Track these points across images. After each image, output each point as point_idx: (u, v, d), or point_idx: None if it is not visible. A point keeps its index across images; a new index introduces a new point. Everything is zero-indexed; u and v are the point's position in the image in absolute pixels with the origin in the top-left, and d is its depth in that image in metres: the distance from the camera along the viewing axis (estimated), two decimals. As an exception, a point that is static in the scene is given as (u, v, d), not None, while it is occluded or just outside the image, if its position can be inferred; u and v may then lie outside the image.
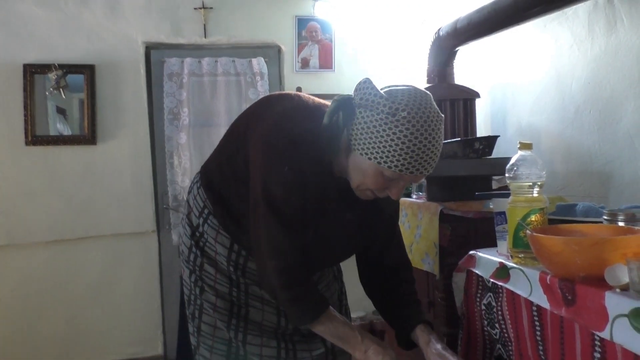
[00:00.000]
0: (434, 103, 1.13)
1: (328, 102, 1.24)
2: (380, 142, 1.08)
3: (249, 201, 1.19)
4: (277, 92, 1.36)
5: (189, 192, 1.37)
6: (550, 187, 2.15)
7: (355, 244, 1.34)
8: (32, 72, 3.16)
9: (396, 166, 1.08)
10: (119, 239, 3.28)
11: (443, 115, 1.15)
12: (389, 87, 1.13)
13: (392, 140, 1.07)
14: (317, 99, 1.27)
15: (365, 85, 1.10)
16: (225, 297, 1.28)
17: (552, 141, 2.23)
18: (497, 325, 1.35)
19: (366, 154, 1.10)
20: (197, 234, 1.31)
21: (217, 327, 1.29)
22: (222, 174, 1.29)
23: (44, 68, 3.16)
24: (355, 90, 1.12)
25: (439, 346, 1.25)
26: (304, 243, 1.20)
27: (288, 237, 1.16)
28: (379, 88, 1.11)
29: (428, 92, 1.14)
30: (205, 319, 1.30)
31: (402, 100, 1.08)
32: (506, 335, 1.31)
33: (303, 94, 1.29)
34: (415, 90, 1.12)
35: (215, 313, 1.28)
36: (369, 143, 1.09)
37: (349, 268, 1.50)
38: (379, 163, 1.09)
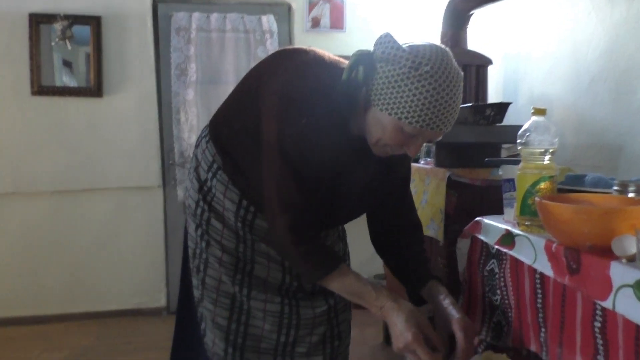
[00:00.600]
0: (454, 61, 1.11)
1: (343, 59, 1.21)
2: (402, 96, 1.06)
3: (259, 156, 1.18)
4: (290, 47, 1.33)
5: (197, 146, 1.35)
6: (559, 158, 2.12)
7: (366, 202, 1.34)
8: (38, 21, 3.12)
9: (417, 121, 1.07)
10: (124, 192, 3.31)
11: (462, 73, 1.13)
12: (407, 42, 1.11)
13: (413, 94, 1.05)
14: (331, 55, 1.24)
15: (387, 39, 1.07)
16: (231, 252, 1.28)
17: (564, 112, 2.20)
18: (498, 291, 1.36)
19: (386, 109, 1.08)
20: (205, 189, 1.30)
21: (221, 281, 1.29)
22: (231, 128, 1.26)
23: (50, 18, 3.11)
24: (376, 44, 1.10)
25: (448, 300, 1.26)
26: (318, 199, 1.19)
27: (301, 192, 1.15)
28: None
29: (448, 50, 1.12)
30: (210, 273, 1.30)
31: (425, 55, 1.06)
32: (507, 301, 1.32)
33: (317, 49, 1.25)
34: (437, 46, 1.10)
35: (220, 267, 1.28)
36: (390, 98, 1.07)
37: (353, 230, 1.50)
38: (400, 118, 1.07)
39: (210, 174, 1.29)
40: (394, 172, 1.33)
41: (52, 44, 3.13)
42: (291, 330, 1.30)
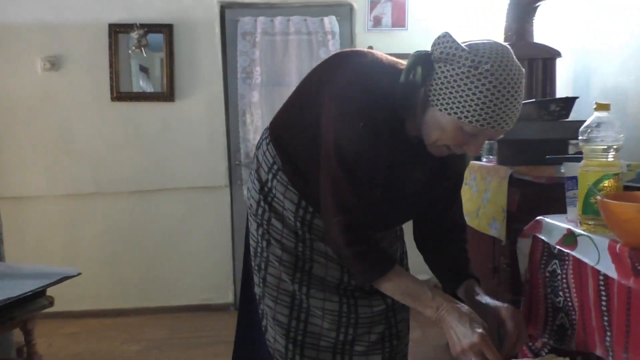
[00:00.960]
0: (515, 57, 1.09)
1: (400, 60, 1.22)
2: (461, 96, 1.05)
3: (318, 158, 1.21)
4: (348, 49, 1.35)
5: (258, 148, 1.40)
6: (634, 154, 2.01)
7: (421, 204, 1.34)
8: (116, 31, 3.34)
9: (477, 120, 1.06)
10: (194, 192, 3.47)
11: (524, 70, 1.11)
12: (468, 41, 1.10)
13: (473, 93, 1.04)
14: (389, 57, 1.25)
15: (446, 39, 1.07)
16: (290, 251, 1.31)
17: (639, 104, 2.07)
18: (560, 293, 1.31)
19: (445, 109, 1.08)
20: (266, 189, 1.34)
21: (281, 280, 1.33)
22: (291, 130, 1.30)
23: (127, 27, 3.32)
24: (434, 44, 1.09)
25: (487, 297, 1.24)
26: (372, 201, 1.20)
27: (356, 193, 1.16)
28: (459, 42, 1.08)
29: (508, 47, 1.10)
30: (270, 271, 1.34)
31: (485, 53, 1.05)
32: (570, 304, 1.28)
33: (375, 51, 1.27)
34: (497, 44, 1.09)
35: (280, 266, 1.32)
36: (449, 97, 1.07)
37: (410, 230, 1.50)
38: (459, 118, 1.07)
39: (270, 175, 1.33)
40: (448, 175, 1.32)
41: (129, 51, 3.34)
42: (349, 329, 1.32)
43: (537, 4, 2.34)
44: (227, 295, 3.56)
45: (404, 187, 1.26)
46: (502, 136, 1.15)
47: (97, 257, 3.46)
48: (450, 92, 1.06)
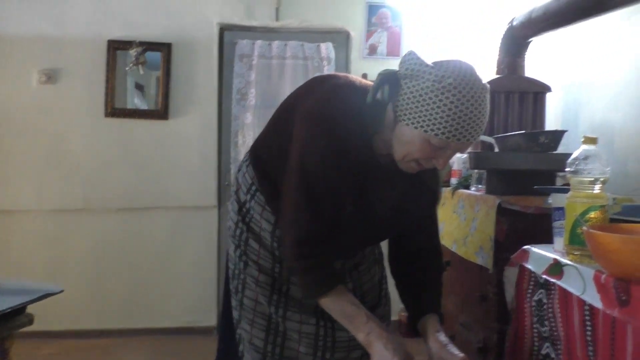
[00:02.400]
0: (478, 74, 1.13)
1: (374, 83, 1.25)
2: (427, 109, 1.09)
3: None
4: (325, 73, 1.39)
5: (239, 170, 1.41)
6: (621, 188, 2.04)
7: (394, 224, 1.35)
8: (115, 48, 3.36)
9: (443, 133, 1.10)
10: (183, 211, 3.46)
11: (489, 86, 1.15)
12: (434, 61, 1.14)
13: (438, 107, 1.08)
14: (364, 80, 1.29)
15: (411, 57, 1.12)
16: (267, 272, 1.32)
17: (626, 140, 2.11)
18: (546, 322, 1.31)
19: (412, 123, 1.11)
20: (244, 210, 1.35)
21: (258, 302, 1.33)
22: (269, 151, 1.32)
23: (126, 44, 3.35)
24: (400, 63, 1.14)
25: (444, 338, 1.25)
26: (340, 221, 1.22)
27: (313, 211, 1.18)
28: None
29: (472, 65, 1.15)
30: (247, 294, 1.34)
31: (448, 69, 1.09)
32: (555, 333, 1.28)
33: (351, 75, 1.31)
34: (460, 61, 1.13)
35: (257, 288, 1.32)
36: (416, 112, 1.10)
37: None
38: (426, 131, 1.10)
39: (249, 196, 1.34)
40: (421, 192, 1.34)
41: (127, 68, 3.36)
42: (327, 353, 1.32)
43: (530, 40, 2.40)
44: (211, 318, 3.51)
45: (375, 206, 1.27)
46: (469, 149, 1.18)
47: (81, 275, 3.40)
48: (416, 107, 1.10)
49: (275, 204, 1.30)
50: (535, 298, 1.35)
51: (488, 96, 1.13)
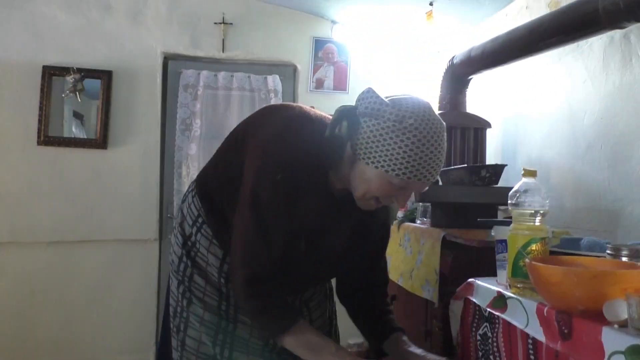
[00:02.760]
0: (435, 112, 1.14)
1: (328, 115, 1.23)
2: (388, 150, 1.08)
3: None
4: (278, 103, 1.36)
5: (183, 201, 1.35)
6: (558, 221, 2.11)
7: (346, 258, 1.32)
8: (51, 74, 3.22)
9: (404, 173, 1.08)
10: (120, 245, 3.28)
11: (445, 124, 1.15)
12: (389, 96, 1.13)
13: (399, 147, 1.07)
14: (317, 111, 1.26)
15: (370, 95, 1.10)
16: (213, 310, 1.25)
17: (561, 176, 2.20)
18: (491, 356, 1.30)
19: (372, 162, 1.10)
20: (189, 244, 1.28)
21: (202, 342, 1.25)
22: (218, 182, 1.27)
23: (63, 71, 3.21)
24: (359, 99, 1.12)
25: (419, 350, 1.24)
26: (293, 256, 1.17)
27: (265, 246, 1.14)
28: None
29: (428, 101, 1.15)
30: (190, 333, 1.26)
31: (408, 108, 1.09)
32: (500, 367, 1.27)
33: (304, 105, 1.28)
34: (418, 99, 1.14)
35: (201, 327, 1.25)
36: (376, 152, 1.09)
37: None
38: (387, 171, 1.09)
39: (194, 229, 1.27)
40: (374, 228, 1.33)
41: (63, 95, 3.22)
42: None
43: (470, 77, 2.49)
44: (148, 357, 3.31)
45: (328, 241, 1.24)
46: (426, 188, 1.17)
47: (5, 313, 3.14)
48: (377, 146, 1.09)
49: (223, 237, 1.24)
50: (480, 332, 1.35)
51: (445, 134, 1.14)
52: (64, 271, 3.22)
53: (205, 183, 1.30)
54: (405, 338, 1.29)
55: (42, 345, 3.18)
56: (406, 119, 1.07)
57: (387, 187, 1.12)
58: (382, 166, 1.09)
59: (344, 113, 1.12)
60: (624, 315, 0.89)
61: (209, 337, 1.24)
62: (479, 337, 1.35)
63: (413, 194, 2.05)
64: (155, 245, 3.34)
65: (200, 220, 1.27)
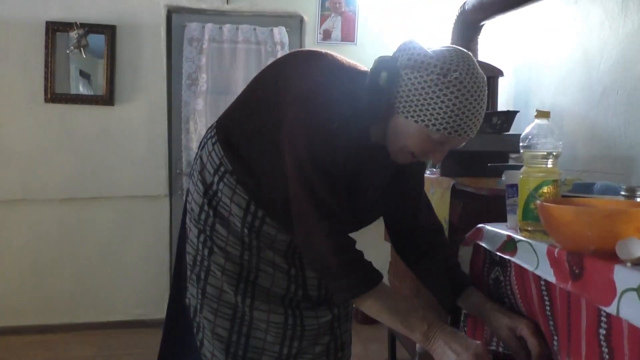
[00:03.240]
0: (477, 65, 1.10)
1: (358, 64, 1.19)
2: (430, 104, 1.04)
3: (276, 159, 1.14)
4: (304, 49, 1.31)
5: (202, 148, 1.30)
6: (571, 170, 2.08)
7: (380, 208, 1.31)
8: (55, 29, 3.17)
9: (445, 128, 1.05)
10: (131, 201, 3.31)
11: (485, 76, 1.11)
12: (432, 48, 1.08)
13: (442, 102, 1.03)
14: (347, 59, 1.21)
15: (413, 45, 1.06)
16: (235, 259, 1.23)
17: (575, 123, 2.15)
18: (506, 300, 1.30)
19: (412, 116, 1.06)
20: (211, 192, 1.24)
21: (223, 291, 1.24)
22: (243, 130, 1.22)
23: (66, 26, 3.16)
24: (400, 50, 1.08)
25: (496, 306, 1.21)
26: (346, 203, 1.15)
27: (336, 198, 1.10)
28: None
29: (469, 53, 1.10)
30: (211, 281, 1.25)
31: (453, 61, 1.04)
32: (516, 309, 1.27)
33: (333, 52, 1.22)
34: (461, 51, 1.08)
35: (223, 276, 1.23)
36: (417, 105, 1.05)
37: (361, 240, 1.45)
38: (427, 126, 1.05)
39: (217, 177, 1.24)
40: (408, 176, 1.30)
41: (68, 51, 3.18)
42: (294, 342, 1.25)
43: (482, 23, 2.41)
44: (162, 310, 3.34)
45: (366, 190, 1.22)
46: (464, 143, 1.13)
47: (20, 269, 3.22)
48: (418, 100, 1.05)
49: (250, 186, 1.21)
50: (492, 276, 1.34)
51: (487, 88, 1.09)
52: (76, 227, 3.27)
53: (227, 130, 1.25)
54: (483, 296, 1.24)
55: (57, 300, 3.27)
56: (451, 72, 1.03)
57: (426, 141, 1.09)
58: (423, 120, 1.05)
59: (383, 64, 1.07)
60: (638, 253, 0.87)
61: (230, 286, 1.23)
62: (491, 282, 1.35)
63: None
64: (166, 201, 3.36)
65: (222, 169, 1.23)
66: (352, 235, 1.41)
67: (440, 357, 1.07)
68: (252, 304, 1.23)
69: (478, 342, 1.06)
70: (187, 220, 1.32)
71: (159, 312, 3.37)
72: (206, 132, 1.32)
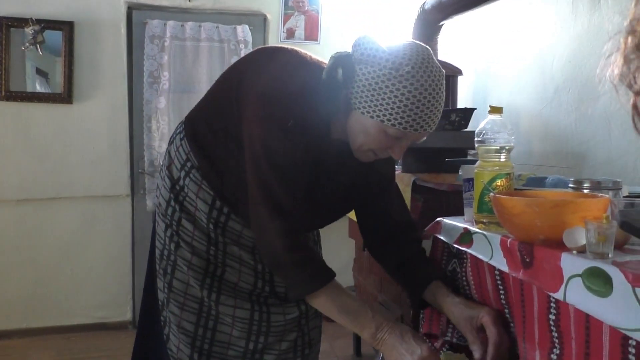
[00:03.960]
0: (434, 58, 1.09)
1: (324, 59, 1.19)
2: (383, 99, 1.04)
3: (239, 157, 1.15)
4: (271, 45, 1.31)
5: (170, 143, 1.30)
6: (526, 166, 2.15)
7: (346, 205, 1.31)
8: (9, 25, 3.07)
9: (400, 124, 1.05)
10: (91, 201, 3.23)
11: (444, 71, 1.11)
12: (387, 43, 1.09)
13: (395, 96, 1.03)
14: (312, 55, 1.22)
15: (365, 41, 1.06)
16: (201, 254, 1.23)
17: (530, 120, 2.22)
18: (461, 291, 1.34)
19: (368, 112, 1.06)
20: (177, 187, 1.25)
21: (189, 285, 1.24)
22: (209, 127, 1.22)
23: (21, 22, 3.07)
24: (354, 46, 1.08)
25: (459, 299, 1.21)
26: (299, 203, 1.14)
27: (291, 196, 1.10)
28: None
29: (427, 47, 1.10)
30: (177, 276, 1.25)
31: (405, 55, 1.04)
32: (472, 300, 1.31)
33: (299, 49, 1.23)
34: (417, 44, 1.08)
35: (189, 270, 1.23)
36: (372, 101, 1.05)
37: (324, 239, 1.46)
38: (382, 121, 1.05)
39: (183, 173, 1.24)
40: (376, 171, 1.30)
41: (23, 48, 3.08)
42: (260, 337, 1.26)
43: (441, 23, 2.46)
44: (125, 312, 3.33)
45: (329, 187, 1.23)
46: (424, 139, 1.13)
47: (-26, 273, 3.10)
48: (372, 95, 1.05)
49: (215, 182, 1.21)
50: (450, 268, 1.38)
51: (444, 82, 1.09)
52: (34, 229, 3.17)
53: (194, 128, 1.25)
54: (446, 289, 1.25)
55: (14, 304, 3.16)
56: (403, 66, 1.03)
57: (384, 137, 1.08)
58: (378, 116, 1.05)
59: (339, 60, 1.08)
60: (583, 241, 0.92)
61: (196, 280, 1.23)
62: (448, 273, 1.39)
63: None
64: (128, 200, 3.30)
65: (189, 164, 1.23)
66: (319, 230, 1.43)
67: (389, 357, 1.09)
68: (217, 299, 1.23)
69: (424, 345, 1.07)
70: (156, 215, 1.32)
71: (121, 314, 3.32)
72: (175, 128, 1.32)
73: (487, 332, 1.15)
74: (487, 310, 1.16)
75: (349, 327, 1.13)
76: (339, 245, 2.91)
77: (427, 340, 1.14)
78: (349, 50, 1.10)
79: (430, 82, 1.05)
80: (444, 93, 1.10)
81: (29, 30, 3.06)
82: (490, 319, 1.14)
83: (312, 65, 1.16)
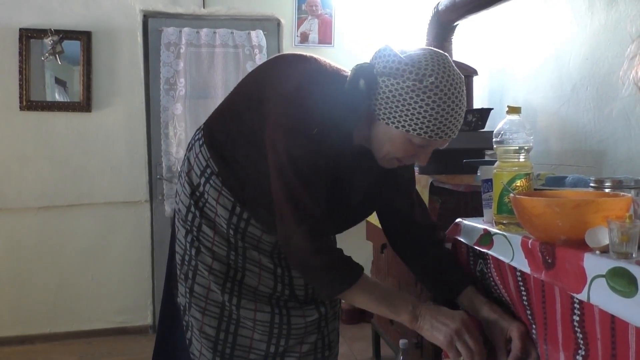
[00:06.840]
0: (453, 64, 1.12)
1: (343, 67, 1.21)
2: (408, 109, 1.07)
3: (260, 163, 1.16)
4: (290, 52, 1.32)
5: (189, 149, 1.31)
6: (544, 164, 2.13)
7: (367, 209, 1.33)
8: (28, 36, 3.13)
9: (425, 132, 1.08)
10: (111, 208, 3.28)
11: (463, 76, 1.13)
12: (405, 52, 1.10)
13: (420, 107, 1.06)
14: (332, 63, 1.23)
15: (387, 52, 1.08)
16: (222, 259, 1.25)
17: (548, 119, 2.20)
18: (492, 290, 1.33)
19: (393, 122, 1.09)
20: (197, 194, 1.26)
21: (210, 290, 1.25)
22: (228, 134, 1.23)
23: (40, 33, 3.13)
24: (376, 57, 1.10)
25: (494, 307, 1.23)
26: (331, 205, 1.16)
27: (317, 201, 1.12)
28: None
29: (445, 53, 1.12)
30: (199, 281, 1.26)
31: (428, 66, 1.07)
32: (504, 299, 1.30)
33: (317, 56, 1.24)
34: (435, 52, 1.11)
35: (210, 275, 1.25)
36: (396, 112, 1.08)
37: (343, 240, 1.47)
38: (408, 131, 1.08)
39: (203, 179, 1.25)
40: (397, 175, 1.32)
41: (42, 58, 3.14)
42: (281, 340, 1.27)
43: (456, 23, 2.45)
44: (145, 317, 3.37)
45: (350, 192, 1.24)
46: (447, 144, 1.16)
47: (-1, 280, 3.16)
48: (397, 106, 1.07)
49: (236, 189, 1.22)
50: (478, 268, 1.37)
51: (464, 87, 1.12)
52: (55, 235, 3.23)
53: (214, 133, 1.26)
54: (479, 293, 1.27)
55: (37, 310, 3.22)
56: (426, 77, 1.05)
57: (409, 146, 1.11)
58: (403, 126, 1.08)
59: (361, 71, 1.10)
60: (605, 241, 0.91)
61: (217, 285, 1.24)
62: (478, 274, 1.38)
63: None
64: (147, 206, 3.34)
65: (208, 171, 1.24)
66: (338, 235, 1.44)
67: (430, 332, 1.11)
68: (238, 303, 1.25)
69: (462, 311, 1.11)
70: (176, 220, 1.33)
71: (141, 318, 3.35)
72: (194, 134, 1.33)
73: (512, 344, 1.17)
74: (517, 325, 1.18)
75: (386, 313, 1.16)
76: (356, 247, 2.89)
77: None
78: (363, 53, 1.11)
79: (453, 90, 1.07)
80: (465, 97, 1.13)
81: (48, 41, 3.12)
82: (517, 334, 1.16)
83: (332, 73, 1.18)
